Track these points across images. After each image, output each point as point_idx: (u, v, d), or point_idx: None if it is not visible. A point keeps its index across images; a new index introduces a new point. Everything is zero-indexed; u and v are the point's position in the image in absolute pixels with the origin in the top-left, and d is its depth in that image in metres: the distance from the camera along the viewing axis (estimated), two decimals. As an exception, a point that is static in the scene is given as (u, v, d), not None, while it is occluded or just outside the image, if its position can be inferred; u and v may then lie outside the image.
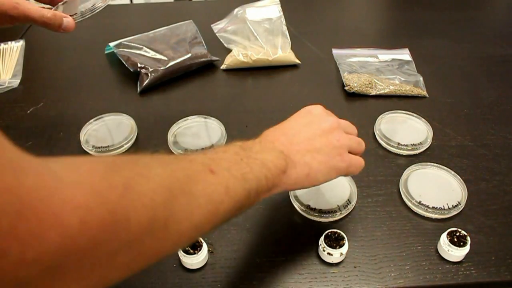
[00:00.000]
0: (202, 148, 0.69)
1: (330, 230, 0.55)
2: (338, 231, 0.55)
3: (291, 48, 0.90)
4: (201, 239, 0.54)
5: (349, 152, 0.52)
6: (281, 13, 0.90)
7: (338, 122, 0.53)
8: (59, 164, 0.29)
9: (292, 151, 0.48)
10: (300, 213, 0.60)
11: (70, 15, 0.61)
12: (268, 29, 0.89)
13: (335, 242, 0.54)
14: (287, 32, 0.90)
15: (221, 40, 0.90)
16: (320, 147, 0.50)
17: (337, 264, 0.54)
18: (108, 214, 0.28)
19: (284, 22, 0.90)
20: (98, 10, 0.64)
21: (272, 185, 0.45)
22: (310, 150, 0.49)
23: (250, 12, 0.89)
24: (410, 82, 0.83)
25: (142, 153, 0.37)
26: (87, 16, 0.64)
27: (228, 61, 0.88)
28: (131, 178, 0.32)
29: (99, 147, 0.70)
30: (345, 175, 0.53)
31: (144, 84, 0.82)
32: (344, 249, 0.53)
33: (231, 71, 0.89)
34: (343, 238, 0.54)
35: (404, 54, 0.92)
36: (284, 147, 0.48)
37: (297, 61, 0.90)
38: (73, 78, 0.88)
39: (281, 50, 0.88)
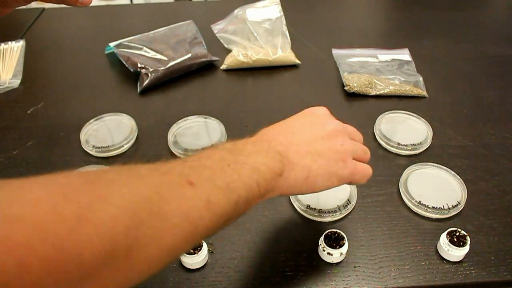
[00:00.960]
0: (202, 149, 0.69)
1: (330, 230, 0.55)
2: (338, 231, 0.55)
3: (291, 48, 0.90)
4: (201, 239, 0.54)
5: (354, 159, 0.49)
6: (281, 13, 0.90)
7: (343, 126, 0.50)
8: (2, 192, 0.26)
9: (291, 152, 0.44)
10: (300, 213, 0.60)
11: None
12: (268, 30, 0.89)
13: (335, 242, 0.54)
14: (287, 32, 0.90)
15: (221, 40, 0.90)
16: (322, 150, 0.46)
17: (337, 264, 0.54)
18: (54, 252, 0.25)
19: (284, 22, 0.90)
20: None
21: (266, 191, 0.41)
22: (311, 152, 0.45)
23: (250, 13, 0.89)
24: (410, 82, 0.83)
25: (112, 166, 0.33)
26: None
27: (228, 61, 0.88)
28: (87, 205, 0.28)
29: (99, 147, 0.70)
30: (350, 183, 0.49)
31: (144, 84, 0.82)
32: (344, 249, 0.53)
33: (231, 71, 0.89)
34: (343, 238, 0.54)
35: (404, 54, 0.92)
36: (282, 147, 0.44)
37: (297, 61, 0.90)
38: (73, 78, 0.88)
39: (281, 50, 0.88)
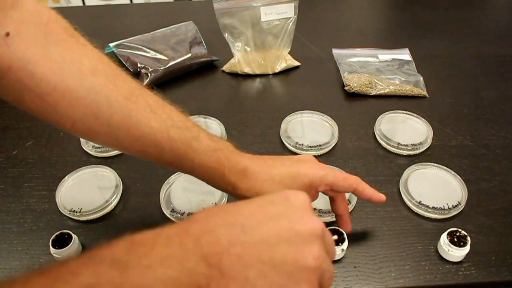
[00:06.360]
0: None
1: (328, 228, 0.55)
2: (336, 227, 0.55)
3: (290, 51, 0.89)
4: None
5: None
6: (296, 14, 0.85)
7: (323, 229, 0.34)
8: None
9: (230, 257, 0.30)
10: (300, 213, 0.60)
11: None
12: (277, 27, 0.85)
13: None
14: (292, 36, 0.87)
15: (219, 22, 0.84)
16: (282, 261, 0.31)
17: (337, 263, 0.54)
18: None
19: (294, 25, 0.86)
20: None
21: None
22: (263, 260, 0.30)
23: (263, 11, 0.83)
24: (410, 82, 0.83)
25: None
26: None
27: (231, 68, 0.87)
28: None
29: (99, 147, 0.70)
30: None
31: (144, 84, 0.82)
32: (345, 245, 0.53)
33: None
34: (342, 234, 0.54)
35: (404, 54, 0.92)
36: (217, 248, 0.30)
37: (297, 63, 0.89)
38: (73, 78, 0.88)
39: (284, 62, 0.88)
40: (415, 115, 0.75)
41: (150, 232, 0.30)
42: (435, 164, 0.66)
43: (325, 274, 0.33)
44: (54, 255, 0.54)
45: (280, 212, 0.33)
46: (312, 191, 0.49)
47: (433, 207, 0.60)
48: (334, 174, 0.50)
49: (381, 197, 0.52)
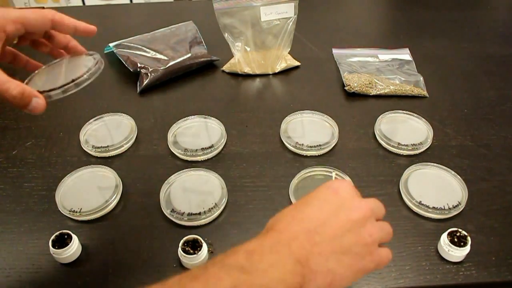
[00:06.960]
0: (202, 148, 0.69)
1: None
2: None
3: (290, 51, 0.89)
4: (200, 239, 0.54)
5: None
6: (296, 14, 0.85)
7: (371, 209, 0.43)
8: None
9: (314, 256, 0.39)
10: (300, 213, 0.60)
11: (48, 90, 0.49)
12: (277, 26, 0.85)
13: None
14: (292, 35, 0.87)
15: (218, 22, 0.84)
16: (349, 246, 0.40)
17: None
18: None
19: (295, 25, 0.86)
20: (87, 83, 0.53)
21: None
22: (336, 251, 0.40)
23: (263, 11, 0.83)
24: (410, 82, 0.83)
25: None
26: (71, 92, 0.50)
27: (231, 68, 0.87)
28: None
29: (98, 147, 0.70)
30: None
31: (144, 84, 0.82)
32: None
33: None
34: None
35: (404, 54, 0.92)
36: (304, 251, 0.39)
37: (297, 63, 0.89)
38: (73, 78, 0.88)
39: (284, 62, 0.88)
40: (415, 115, 0.75)
41: (254, 242, 0.39)
42: (435, 164, 0.66)
43: (383, 238, 0.43)
44: (54, 255, 0.54)
45: (336, 208, 0.42)
46: None
47: (433, 207, 0.60)
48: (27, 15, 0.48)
49: (91, 28, 0.52)
